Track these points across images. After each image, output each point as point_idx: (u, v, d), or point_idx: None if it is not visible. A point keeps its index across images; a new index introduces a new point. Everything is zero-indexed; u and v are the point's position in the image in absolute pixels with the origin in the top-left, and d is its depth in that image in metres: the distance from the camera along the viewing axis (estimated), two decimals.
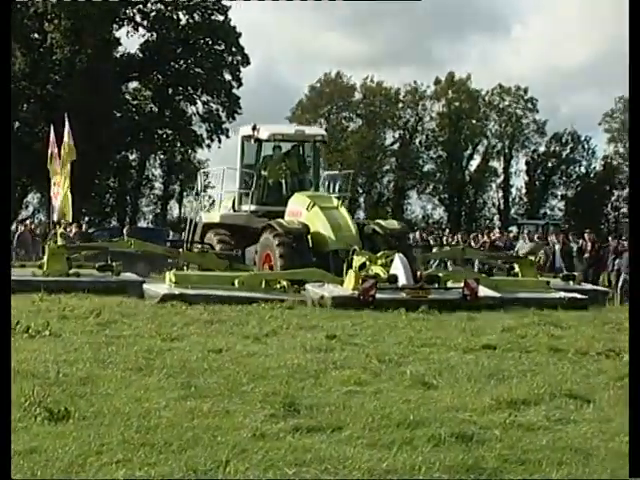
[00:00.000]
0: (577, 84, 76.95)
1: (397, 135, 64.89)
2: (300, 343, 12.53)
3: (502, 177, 63.92)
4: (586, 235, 27.15)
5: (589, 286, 21.74)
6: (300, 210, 21.04)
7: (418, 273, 18.20)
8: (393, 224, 22.74)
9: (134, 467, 5.96)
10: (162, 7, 48.60)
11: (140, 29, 48.92)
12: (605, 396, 8.92)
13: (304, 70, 76.97)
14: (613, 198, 60.48)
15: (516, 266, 21.48)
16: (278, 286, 18.22)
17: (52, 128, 27.74)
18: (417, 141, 65.10)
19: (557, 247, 26.79)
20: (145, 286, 18.75)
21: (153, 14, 49.07)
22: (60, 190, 26.62)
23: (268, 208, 22.10)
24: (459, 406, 8.28)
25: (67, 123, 26.10)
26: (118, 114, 47.74)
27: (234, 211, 22.93)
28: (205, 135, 51.86)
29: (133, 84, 51.54)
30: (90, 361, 10.38)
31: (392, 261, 18.13)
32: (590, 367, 11.13)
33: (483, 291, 17.82)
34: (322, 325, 14.50)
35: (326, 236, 20.12)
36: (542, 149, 63.92)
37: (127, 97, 50.66)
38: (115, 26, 47.87)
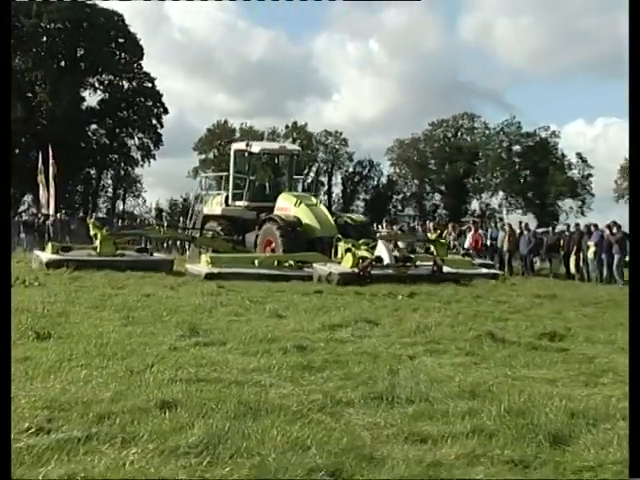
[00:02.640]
0: (371, 129, 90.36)
1: None
2: (200, 290, 14.52)
3: (327, 187, 75.21)
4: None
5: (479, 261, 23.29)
6: (288, 206, 23.20)
7: (397, 254, 20.18)
8: (360, 217, 26.46)
9: (92, 369, 6.90)
10: (112, 77, 62.78)
11: (98, 91, 63.51)
12: (387, 321, 10.88)
13: (203, 118, 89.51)
14: (393, 201, 76.32)
15: (432, 247, 23.13)
16: (287, 264, 19.50)
17: (40, 154, 37.05)
18: None
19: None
20: (188, 266, 19.68)
21: (106, 81, 63.16)
22: (45, 193, 35.27)
23: (256, 204, 24.51)
24: (299, 328, 9.98)
25: (50, 151, 35.54)
26: (83, 145, 61.00)
27: (227, 206, 24.94)
28: (140, 159, 65.48)
29: (93, 126, 64.25)
30: (64, 301, 12.09)
31: (374, 246, 19.38)
32: (378, 303, 13.48)
33: (446, 268, 19.43)
34: (214, 280, 16.94)
35: (313, 227, 22.21)
36: (351, 170, 77.20)
37: (89, 134, 63.70)
38: (82, 89, 61.43)
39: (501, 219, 60.06)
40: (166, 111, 65.76)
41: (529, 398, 6.17)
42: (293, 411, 5.67)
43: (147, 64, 64.20)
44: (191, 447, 4.68)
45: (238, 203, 25.00)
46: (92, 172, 66.82)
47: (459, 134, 74.71)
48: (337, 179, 77.46)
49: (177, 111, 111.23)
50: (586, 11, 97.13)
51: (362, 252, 18.71)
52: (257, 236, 22.91)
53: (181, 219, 37.41)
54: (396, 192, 76.51)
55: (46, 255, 20.29)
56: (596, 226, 25.18)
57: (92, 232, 21.31)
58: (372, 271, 18.02)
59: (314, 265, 18.83)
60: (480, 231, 28.14)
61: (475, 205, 73.07)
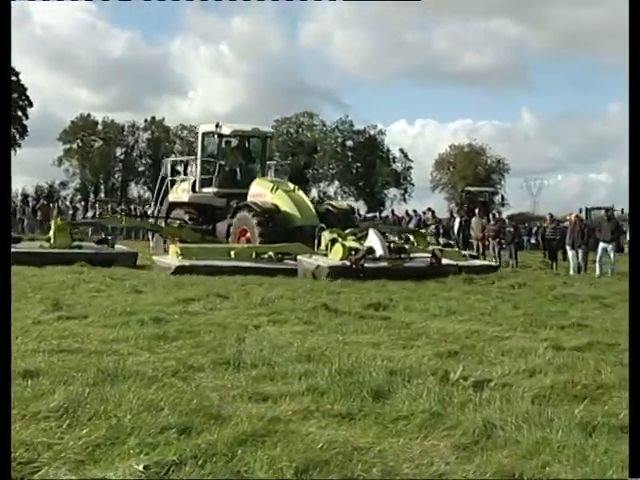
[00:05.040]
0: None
1: (123, 150, 75.21)
2: (62, 270, 13.97)
3: (183, 175, 72.61)
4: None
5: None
6: (264, 192, 19.32)
7: (390, 245, 16.39)
8: (342, 205, 21.65)
9: None
10: None
11: None
12: (235, 295, 10.90)
13: (67, 110, 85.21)
14: None
15: (411, 237, 19.47)
16: (266, 256, 15.86)
17: None
18: (134, 154, 75.50)
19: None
20: (156, 258, 16.33)
21: None
22: None
23: (227, 190, 20.70)
24: (156, 302, 9.86)
25: None
26: None
27: (194, 193, 21.01)
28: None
29: None
30: None
31: (362, 237, 16.27)
32: (227, 280, 13.32)
33: (445, 260, 16.07)
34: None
35: (292, 215, 18.43)
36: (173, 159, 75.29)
37: None
38: None
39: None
40: (31, 104, 63.34)
41: (356, 360, 6.33)
42: (148, 376, 5.59)
43: (12, 59, 61.05)
44: (51, 412, 4.51)
45: (206, 189, 21.00)
46: None
47: (300, 130, 75.34)
48: (193, 169, 76.72)
49: (41, 104, 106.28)
50: (408, 25, 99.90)
51: (351, 243, 15.54)
52: (230, 225, 19.18)
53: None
54: None
55: None
56: (415, 211, 26.28)
57: None
58: (365, 264, 14.88)
59: (299, 257, 15.43)
60: None
61: (314, 193, 74.15)
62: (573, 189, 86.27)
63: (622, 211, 35.86)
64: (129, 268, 15.65)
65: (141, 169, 76.53)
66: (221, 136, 21.05)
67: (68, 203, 47.76)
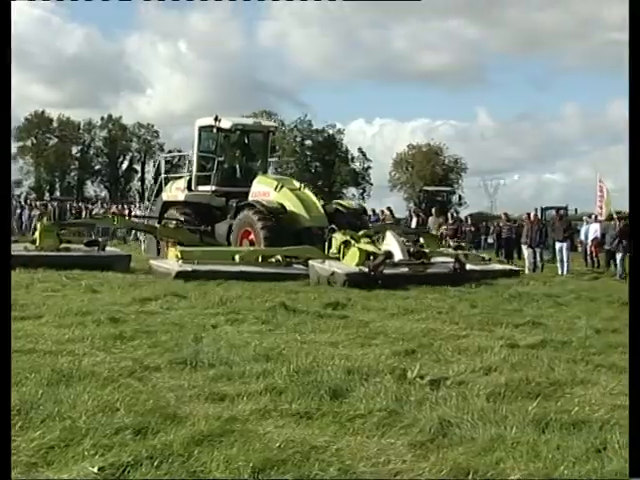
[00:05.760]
0: (181, 122, 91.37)
1: (79, 148, 75.13)
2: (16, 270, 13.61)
3: (140, 174, 75.31)
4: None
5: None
6: (268, 191, 17.75)
7: (410, 249, 14.74)
8: (352, 204, 19.65)
9: None
10: None
11: None
12: (193, 295, 10.78)
13: (21, 107, 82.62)
14: None
15: (422, 239, 18.18)
16: (274, 260, 14.47)
17: None
18: (91, 152, 75.94)
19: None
20: (153, 262, 14.66)
21: None
22: None
23: (226, 189, 18.99)
24: (113, 302, 9.79)
25: None
26: None
27: (190, 191, 19.27)
28: None
29: None
30: None
31: (377, 239, 14.89)
32: (178, 282, 12.79)
33: (468, 265, 14.82)
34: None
35: (300, 215, 16.94)
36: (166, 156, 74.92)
37: None
38: None
39: None
40: None
41: (314, 359, 6.35)
42: (104, 377, 5.53)
43: None
44: None
45: (203, 188, 19.24)
46: None
47: None
48: (150, 167, 76.10)
49: None
50: (366, 25, 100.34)
51: (366, 246, 13.93)
52: (231, 226, 17.62)
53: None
54: None
55: None
56: (374, 210, 26.45)
57: None
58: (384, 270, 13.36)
59: (310, 263, 13.84)
60: None
61: None
62: (529, 189, 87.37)
63: (575, 211, 36.50)
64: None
65: (98, 167, 75.79)
66: (220, 130, 19.23)
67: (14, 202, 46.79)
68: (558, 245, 20.04)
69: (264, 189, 17.96)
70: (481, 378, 5.87)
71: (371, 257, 13.48)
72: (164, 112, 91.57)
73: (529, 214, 22.47)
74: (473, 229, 24.21)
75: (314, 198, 17.92)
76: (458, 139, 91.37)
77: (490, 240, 32.94)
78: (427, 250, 15.29)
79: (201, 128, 19.70)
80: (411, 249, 14.68)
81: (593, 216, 28.95)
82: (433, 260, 14.69)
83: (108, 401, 4.80)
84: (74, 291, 10.96)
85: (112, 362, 6.10)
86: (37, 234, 15.92)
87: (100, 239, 17.76)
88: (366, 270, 13.13)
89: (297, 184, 18.45)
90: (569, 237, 20.81)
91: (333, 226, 15.38)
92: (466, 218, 30.24)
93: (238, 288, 11.82)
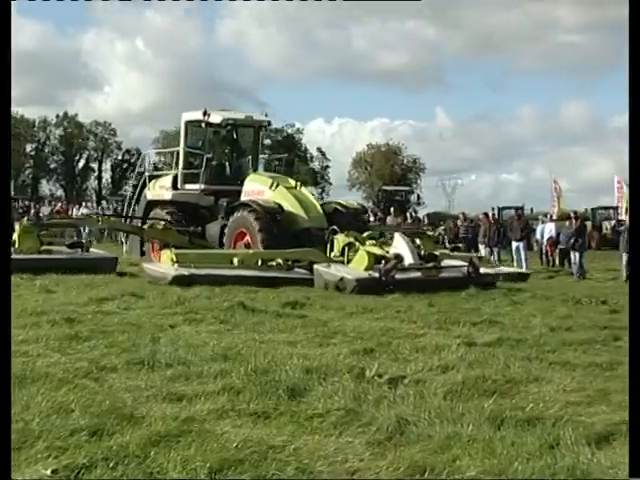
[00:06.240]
0: (139, 121, 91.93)
1: (34, 146, 72.97)
2: None
3: (97, 172, 74.25)
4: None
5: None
6: (262, 189, 16.71)
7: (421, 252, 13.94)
8: (352, 203, 18.41)
9: None
10: None
11: None
12: (151, 294, 10.70)
13: None
14: None
15: (418, 240, 16.49)
16: (274, 264, 13.72)
17: None
18: (46, 150, 74.01)
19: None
20: (146, 265, 13.82)
21: None
22: None
23: (215, 187, 17.98)
24: (68, 302, 9.68)
25: None
26: None
27: (176, 189, 18.18)
28: None
29: None
30: None
31: (384, 242, 14.21)
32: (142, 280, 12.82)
33: (481, 269, 14.09)
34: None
35: (298, 215, 15.95)
36: (120, 157, 74.65)
37: None
38: None
39: None
40: None
41: (272, 358, 6.35)
42: (59, 378, 5.46)
43: None
44: None
45: (190, 186, 18.16)
46: None
47: None
48: (107, 166, 75.21)
49: None
50: (325, 25, 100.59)
51: (373, 249, 13.26)
52: (223, 227, 16.68)
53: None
54: None
55: None
56: None
57: None
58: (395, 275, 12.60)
59: (316, 267, 13.09)
60: None
61: None
62: (486, 188, 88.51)
63: (531, 210, 37.07)
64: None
65: (53, 166, 74.54)
66: (209, 125, 18.22)
67: None
68: (515, 244, 20.40)
69: (258, 188, 16.93)
70: (438, 376, 5.92)
71: (383, 261, 12.67)
72: (121, 110, 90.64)
73: (486, 214, 22.79)
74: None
75: (312, 197, 17.14)
76: (417, 139, 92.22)
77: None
78: (437, 253, 14.57)
79: (188, 123, 18.66)
80: (421, 252, 13.86)
81: (548, 216, 29.44)
82: (444, 264, 13.88)
83: (63, 402, 4.73)
84: (28, 291, 10.78)
85: (67, 363, 6.02)
86: (16, 236, 14.83)
87: (84, 240, 17.06)
88: (376, 275, 12.41)
89: (292, 182, 17.34)
90: (526, 236, 21.16)
91: (335, 227, 14.61)
92: (424, 218, 30.55)
93: (196, 288, 11.74)
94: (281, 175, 18.09)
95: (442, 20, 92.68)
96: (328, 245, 14.07)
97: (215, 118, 17.91)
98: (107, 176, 75.12)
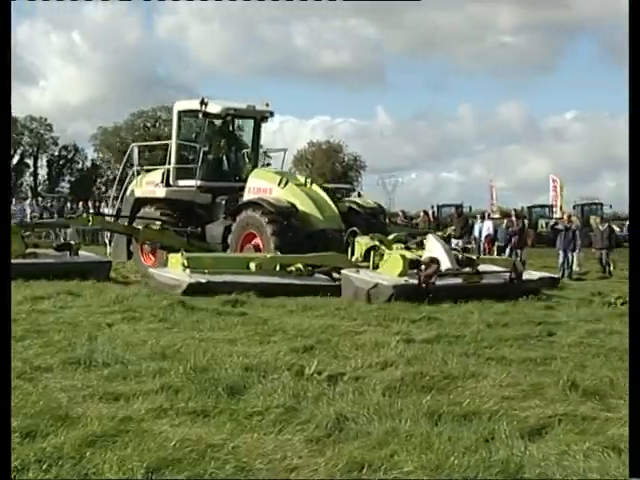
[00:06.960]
0: (76, 116, 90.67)
1: None
2: None
3: (32, 169, 71.54)
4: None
5: None
6: (270, 187, 15.23)
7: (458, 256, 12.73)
8: (369, 202, 16.69)
9: None
10: None
11: None
12: (88, 293, 10.56)
13: None
14: (97, 183, 71.87)
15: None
16: (294, 269, 12.31)
17: None
18: None
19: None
20: (154, 271, 12.37)
21: None
22: None
23: (212, 184, 16.41)
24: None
25: None
26: None
27: (168, 186, 16.51)
28: None
29: None
30: None
31: (422, 243, 12.90)
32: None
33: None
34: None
35: (312, 215, 14.59)
36: (56, 153, 72.61)
37: None
38: None
39: None
40: None
41: (212, 357, 6.32)
42: None
43: None
44: None
45: (184, 182, 16.52)
46: None
47: (157, 124, 73.90)
48: (43, 162, 73.53)
49: None
50: (266, 22, 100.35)
51: (404, 252, 12.11)
52: (227, 228, 15.20)
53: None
54: (100, 175, 73.39)
55: None
56: None
57: None
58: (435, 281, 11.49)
59: (344, 272, 11.80)
60: None
61: None
62: (426, 186, 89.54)
63: (470, 208, 37.77)
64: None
65: None
66: (206, 115, 16.48)
67: None
68: (454, 241, 20.72)
69: (265, 185, 15.42)
70: (377, 373, 5.98)
71: (422, 266, 11.53)
72: (58, 105, 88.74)
73: (425, 211, 23.11)
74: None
75: (325, 196, 15.31)
76: (357, 137, 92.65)
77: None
78: (474, 257, 13.62)
79: (182, 113, 17.05)
80: (459, 256, 12.73)
81: (486, 214, 29.98)
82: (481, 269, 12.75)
83: None
84: None
85: None
86: None
87: (73, 242, 15.63)
88: (413, 281, 11.28)
89: (302, 179, 16.14)
90: (466, 233, 21.54)
91: (355, 228, 13.38)
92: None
93: (134, 286, 11.60)
94: (287, 171, 16.69)
95: (383, 19, 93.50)
96: (349, 249, 12.99)
97: (214, 108, 16.40)
98: (43, 172, 73.57)
